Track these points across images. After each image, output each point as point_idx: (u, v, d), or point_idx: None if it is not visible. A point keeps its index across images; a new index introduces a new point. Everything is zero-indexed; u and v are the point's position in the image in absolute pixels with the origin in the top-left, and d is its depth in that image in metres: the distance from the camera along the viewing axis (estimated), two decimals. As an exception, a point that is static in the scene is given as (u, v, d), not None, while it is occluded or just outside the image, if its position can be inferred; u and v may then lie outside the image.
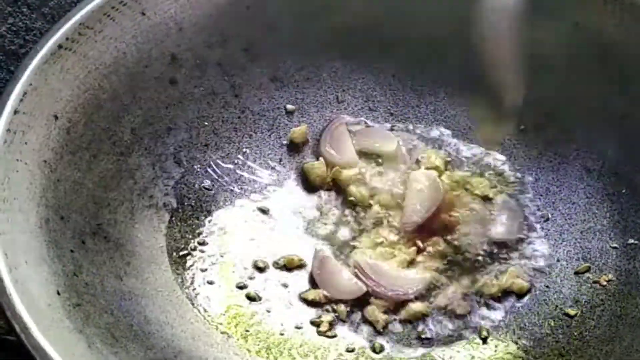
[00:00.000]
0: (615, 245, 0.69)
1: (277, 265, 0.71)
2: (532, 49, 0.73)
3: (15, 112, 0.61)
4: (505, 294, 0.69)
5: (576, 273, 0.69)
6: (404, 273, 0.69)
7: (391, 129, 0.78)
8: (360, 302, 0.68)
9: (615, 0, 0.70)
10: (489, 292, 0.69)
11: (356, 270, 0.69)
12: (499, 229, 0.72)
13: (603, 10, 0.71)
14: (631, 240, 0.69)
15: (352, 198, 0.74)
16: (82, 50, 0.66)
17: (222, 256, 0.71)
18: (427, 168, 0.74)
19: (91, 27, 0.67)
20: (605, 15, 0.70)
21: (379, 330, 0.67)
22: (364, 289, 0.68)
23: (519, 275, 0.70)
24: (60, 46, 0.65)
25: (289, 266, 0.70)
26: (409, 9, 0.76)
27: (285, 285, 0.70)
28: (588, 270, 0.69)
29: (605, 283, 0.68)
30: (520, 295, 0.69)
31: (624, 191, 0.71)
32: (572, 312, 0.67)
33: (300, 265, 0.71)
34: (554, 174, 0.74)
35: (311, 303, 0.69)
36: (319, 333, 0.67)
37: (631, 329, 0.63)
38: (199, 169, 0.74)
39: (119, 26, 0.69)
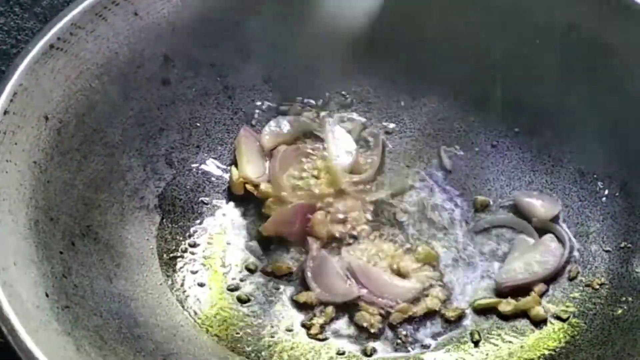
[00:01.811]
0: (608, 248, 0.69)
1: (266, 272, 0.70)
2: (527, 51, 0.73)
3: (5, 112, 0.61)
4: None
5: (569, 279, 0.69)
6: (396, 280, 0.69)
7: (386, 132, 0.78)
8: (349, 306, 0.68)
9: (611, 2, 0.70)
10: (503, 310, 0.67)
11: (348, 273, 0.69)
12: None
13: (598, 12, 0.70)
14: (624, 244, 0.69)
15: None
16: (73, 51, 0.66)
17: (213, 258, 0.70)
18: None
19: (83, 27, 0.67)
20: (600, 18, 0.70)
21: (370, 333, 0.67)
22: (356, 292, 0.68)
23: (540, 304, 0.68)
24: (51, 46, 0.64)
25: (278, 273, 0.70)
26: (404, 11, 0.76)
27: (276, 288, 0.69)
28: (578, 274, 0.69)
29: (597, 286, 0.68)
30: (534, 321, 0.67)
31: (617, 194, 0.71)
32: (564, 315, 0.67)
33: (289, 273, 0.70)
34: (547, 177, 0.74)
35: (302, 306, 0.68)
36: (310, 336, 0.66)
37: (623, 333, 0.63)
38: (190, 171, 0.74)
39: (111, 26, 0.68)
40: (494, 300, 0.68)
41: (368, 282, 0.68)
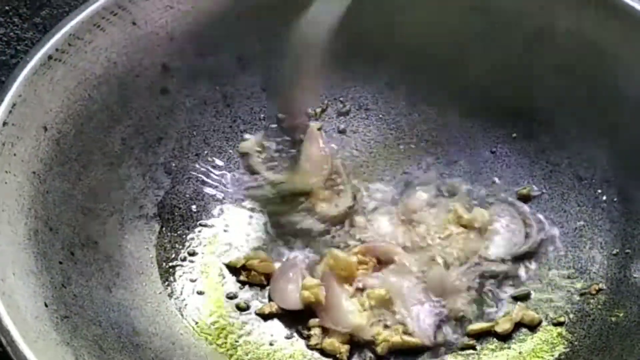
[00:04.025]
0: (606, 253, 0.69)
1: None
2: (525, 56, 0.73)
3: (4, 123, 0.61)
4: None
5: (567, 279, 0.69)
6: (346, 306, 0.67)
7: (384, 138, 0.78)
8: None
9: (608, 7, 0.70)
10: (503, 330, 0.67)
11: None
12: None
13: (595, 17, 0.70)
14: (622, 249, 0.69)
15: None
16: (72, 61, 0.66)
17: (212, 266, 0.71)
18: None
19: (81, 37, 0.67)
20: (598, 22, 0.70)
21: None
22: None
23: (528, 307, 0.68)
24: (49, 57, 0.65)
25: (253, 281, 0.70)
26: (402, 18, 0.76)
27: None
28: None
29: (595, 292, 0.68)
30: (530, 327, 0.67)
31: (615, 199, 0.71)
32: (562, 320, 0.67)
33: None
34: (545, 182, 0.74)
35: (302, 314, 0.68)
36: (309, 347, 0.66)
37: (621, 339, 0.63)
38: (189, 179, 0.74)
39: (110, 36, 0.69)
40: (488, 324, 0.67)
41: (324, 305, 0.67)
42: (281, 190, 0.75)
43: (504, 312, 0.68)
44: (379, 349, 0.66)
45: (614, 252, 0.69)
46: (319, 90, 0.77)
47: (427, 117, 0.78)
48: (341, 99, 0.79)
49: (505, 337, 0.67)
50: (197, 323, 0.67)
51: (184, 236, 0.72)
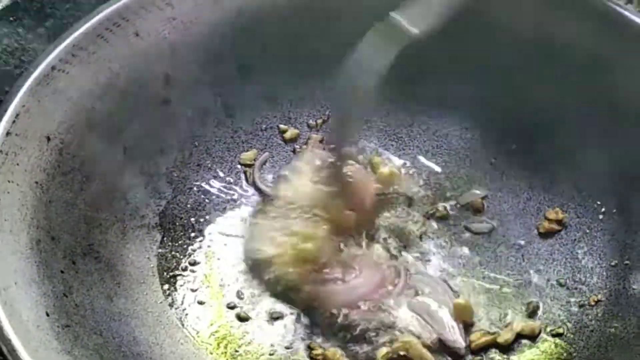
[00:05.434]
0: (604, 265, 0.69)
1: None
2: (524, 67, 0.74)
3: (8, 133, 0.62)
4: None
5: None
6: None
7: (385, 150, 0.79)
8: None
9: (608, 19, 0.70)
10: (504, 340, 0.66)
11: None
12: None
13: (596, 29, 0.71)
14: (621, 261, 0.69)
15: None
16: (75, 72, 0.67)
17: (212, 276, 0.71)
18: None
19: (85, 48, 0.67)
20: (598, 34, 0.70)
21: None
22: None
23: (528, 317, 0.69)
24: (53, 67, 0.65)
25: None
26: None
27: (275, 306, 0.69)
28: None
29: (594, 303, 0.68)
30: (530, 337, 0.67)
31: (614, 211, 0.71)
32: (561, 332, 0.67)
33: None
34: (545, 194, 0.74)
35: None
36: (311, 358, 0.67)
37: (620, 350, 0.63)
38: (191, 189, 0.75)
39: (113, 48, 0.69)
40: (491, 336, 0.67)
41: None
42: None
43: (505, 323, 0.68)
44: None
45: (613, 263, 0.69)
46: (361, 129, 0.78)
47: (427, 128, 0.79)
48: (342, 109, 0.80)
49: (505, 348, 0.67)
50: (197, 332, 0.67)
51: (185, 246, 0.72)
